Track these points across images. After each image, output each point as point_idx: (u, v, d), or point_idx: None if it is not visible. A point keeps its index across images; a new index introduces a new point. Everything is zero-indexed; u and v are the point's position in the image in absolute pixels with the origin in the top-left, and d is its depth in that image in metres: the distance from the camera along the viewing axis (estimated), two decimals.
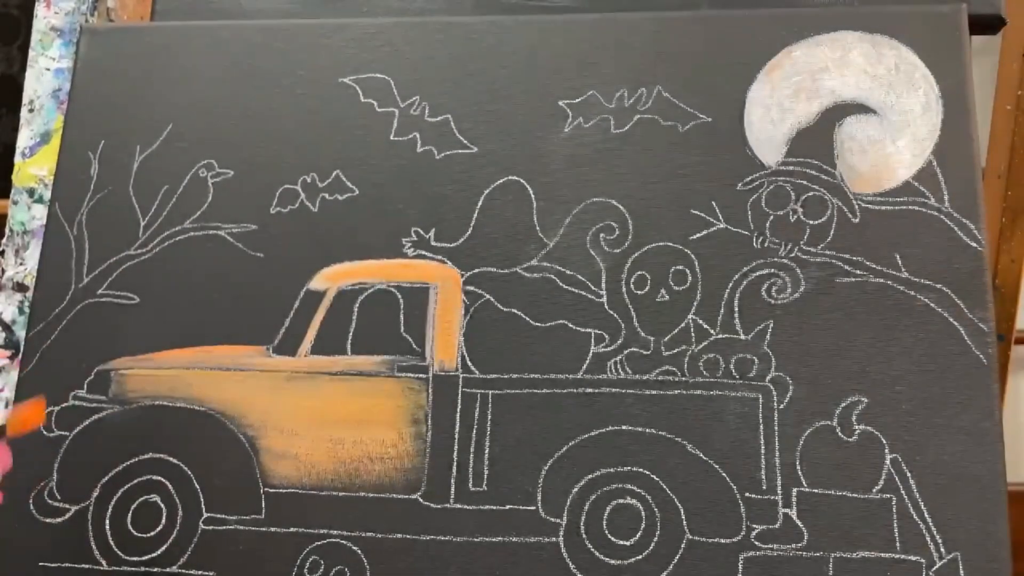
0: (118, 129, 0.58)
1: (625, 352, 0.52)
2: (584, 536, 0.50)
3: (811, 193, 0.52)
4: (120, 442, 0.53)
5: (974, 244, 0.51)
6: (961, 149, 0.52)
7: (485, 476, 0.51)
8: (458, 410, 0.52)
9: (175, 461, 0.53)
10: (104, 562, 0.52)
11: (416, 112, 0.56)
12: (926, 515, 0.48)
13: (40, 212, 0.63)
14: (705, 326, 0.51)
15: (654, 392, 0.51)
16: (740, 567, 0.48)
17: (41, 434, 0.53)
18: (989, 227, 0.75)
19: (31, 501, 0.53)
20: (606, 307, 0.52)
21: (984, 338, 0.49)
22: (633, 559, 0.49)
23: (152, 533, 0.52)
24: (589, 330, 0.52)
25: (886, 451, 0.49)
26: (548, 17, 0.58)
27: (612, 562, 0.49)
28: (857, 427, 0.49)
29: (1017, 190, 0.78)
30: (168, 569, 0.51)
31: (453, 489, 0.51)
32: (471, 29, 0.57)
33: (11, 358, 0.61)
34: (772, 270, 0.52)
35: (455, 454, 0.51)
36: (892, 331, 0.50)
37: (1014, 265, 0.76)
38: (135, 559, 0.52)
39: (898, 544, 0.48)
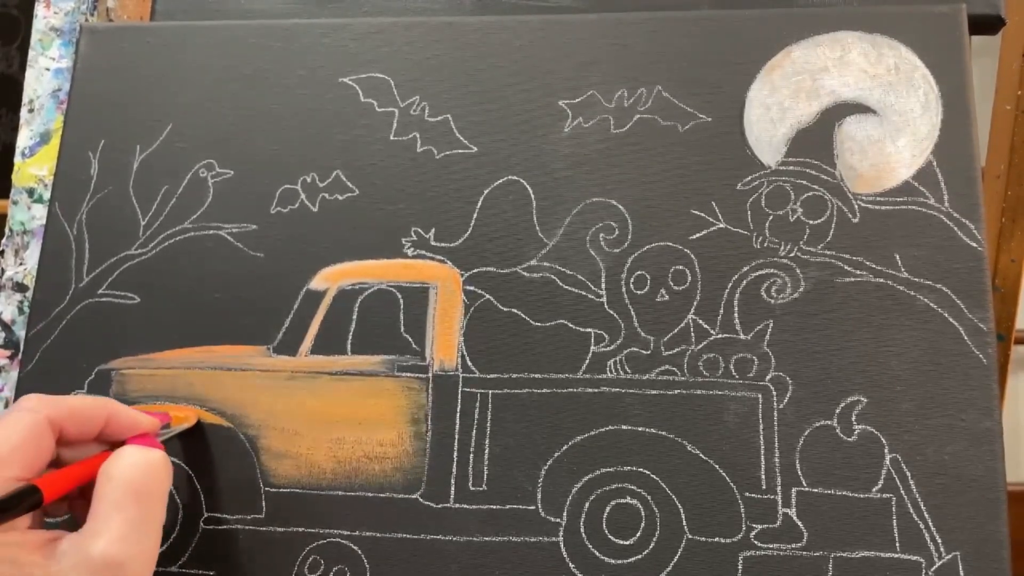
0: (118, 129, 0.58)
1: (625, 352, 0.52)
2: (584, 536, 0.50)
3: (811, 193, 0.52)
4: None
5: (974, 244, 0.51)
6: (961, 149, 0.52)
7: (485, 476, 0.51)
8: (458, 410, 0.52)
9: (175, 461, 0.52)
10: None
11: (416, 112, 0.56)
12: (926, 515, 0.48)
13: (40, 212, 0.63)
14: (705, 326, 0.51)
15: (654, 392, 0.51)
16: (740, 567, 0.48)
17: None
18: (989, 227, 0.75)
19: None
20: (606, 307, 0.52)
21: (984, 338, 0.49)
22: (633, 559, 0.49)
23: None
24: (589, 330, 0.52)
25: (886, 451, 0.49)
26: (548, 17, 0.58)
27: (612, 562, 0.49)
28: (857, 427, 0.49)
29: (1017, 190, 0.78)
30: (168, 569, 0.51)
31: (453, 489, 0.51)
32: (471, 29, 0.57)
33: (11, 358, 0.61)
34: (772, 270, 0.52)
35: (455, 454, 0.51)
36: (892, 331, 0.50)
37: (1014, 265, 0.76)
38: None
39: (898, 544, 0.48)
